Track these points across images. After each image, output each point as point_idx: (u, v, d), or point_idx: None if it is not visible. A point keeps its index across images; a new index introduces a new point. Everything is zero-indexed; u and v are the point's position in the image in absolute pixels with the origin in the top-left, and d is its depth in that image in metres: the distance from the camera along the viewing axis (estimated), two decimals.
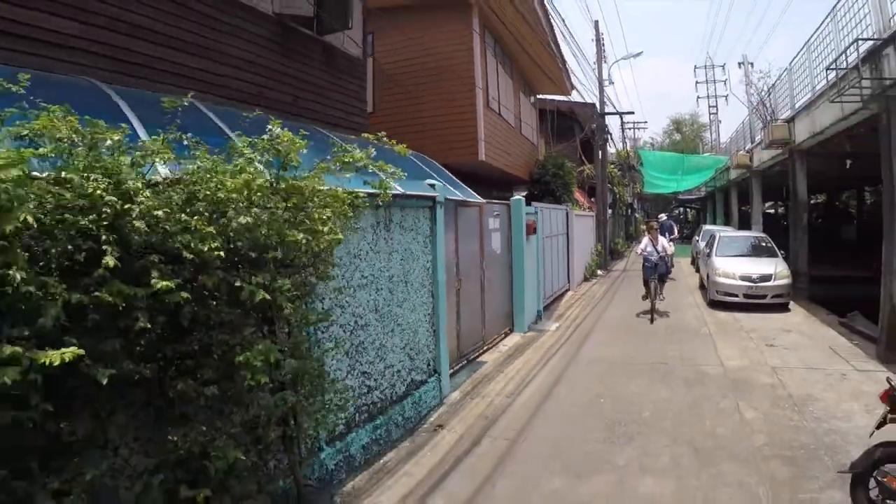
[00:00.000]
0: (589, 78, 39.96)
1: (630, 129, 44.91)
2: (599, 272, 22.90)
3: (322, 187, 3.36)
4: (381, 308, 5.96)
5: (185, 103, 3.38)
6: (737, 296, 13.72)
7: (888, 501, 4.21)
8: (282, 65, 7.88)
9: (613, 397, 7.56)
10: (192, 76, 6.39)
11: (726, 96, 63.04)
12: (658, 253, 13.46)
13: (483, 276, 9.85)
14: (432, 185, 7.19)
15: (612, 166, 31.84)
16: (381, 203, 4.56)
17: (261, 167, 3.16)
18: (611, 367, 8.99)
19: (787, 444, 5.81)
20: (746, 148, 24.02)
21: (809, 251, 16.74)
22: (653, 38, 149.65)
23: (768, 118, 18.40)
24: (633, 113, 30.97)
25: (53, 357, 2.03)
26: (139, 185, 2.47)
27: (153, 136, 2.80)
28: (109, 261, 2.22)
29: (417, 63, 13.39)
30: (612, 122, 31.85)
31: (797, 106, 15.72)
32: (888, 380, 4.36)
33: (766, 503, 4.68)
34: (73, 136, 2.47)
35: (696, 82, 62.02)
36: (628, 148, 40.39)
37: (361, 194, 3.89)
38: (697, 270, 19.94)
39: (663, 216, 30.45)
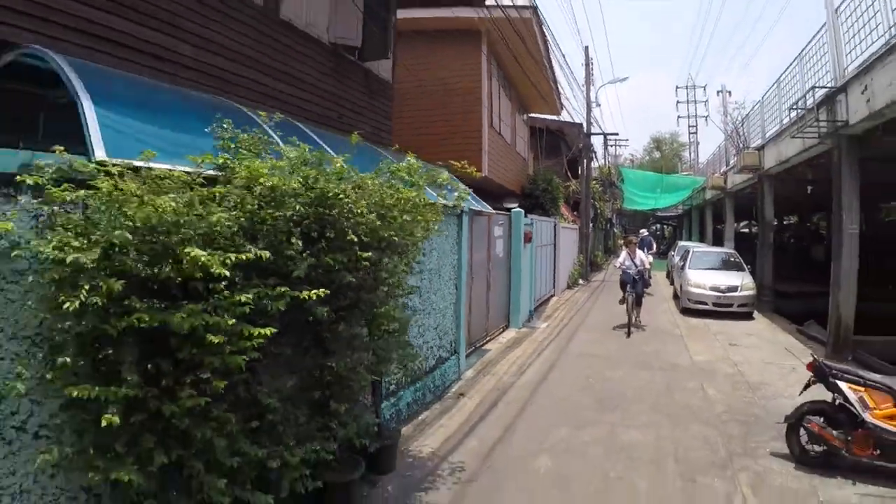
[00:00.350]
0: (577, 98, 41.65)
1: (612, 145, 46.93)
2: (581, 281, 24.49)
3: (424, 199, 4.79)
4: (423, 294, 7.36)
5: (357, 140, 4.81)
6: (706, 304, 15.37)
7: (813, 445, 5.73)
8: (333, 87, 9.28)
9: (601, 380, 9.03)
10: (271, 95, 7.79)
11: (706, 117, 64.16)
12: (636, 266, 13.64)
13: (489, 276, 11.28)
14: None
15: (595, 182, 33.60)
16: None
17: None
18: (596, 358, 10.47)
19: (741, 413, 7.34)
20: (721, 171, 25.78)
21: (782, 268, 18.54)
22: (637, 54, 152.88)
23: (741, 145, 20.17)
24: (616, 134, 32.90)
25: (312, 294, 3.38)
26: (352, 190, 3.86)
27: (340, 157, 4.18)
28: (353, 238, 3.61)
29: (430, 84, 14.80)
30: (595, 140, 33.68)
31: (767, 136, 17.45)
32: (812, 354, 5.89)
33: (723, 449, 6.18)
34: (308, 155, 3.85)
35: (677, 102, 63.45)
36: (609, 165, 42.24)
37: (450, 205, 5.33)
38: (672, 283, 21.58)
39: (644, 231, 32.04)
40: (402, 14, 13.12)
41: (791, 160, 15.10)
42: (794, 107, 12.72)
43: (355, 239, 3.65)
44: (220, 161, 3.60)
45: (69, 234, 2.76)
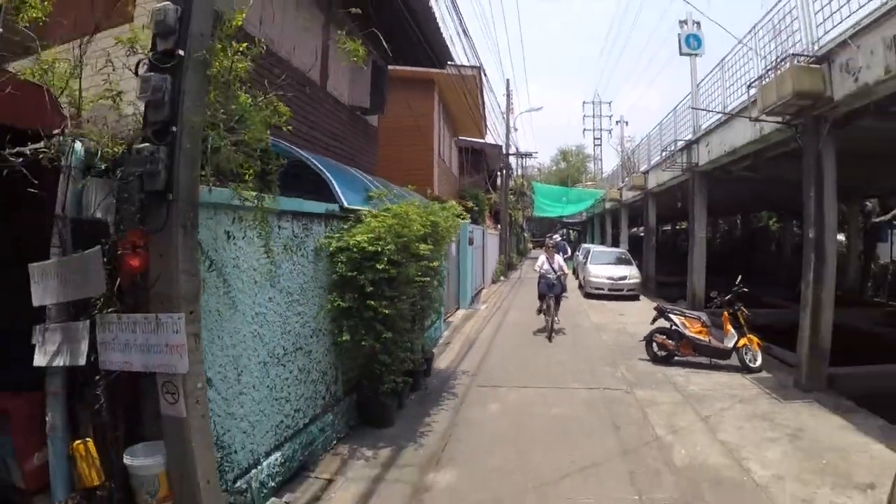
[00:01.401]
0: (497, 121, 46.41)
1: (522, 157, 52.32)
2: (502, 277, 29.20)
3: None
4: None
5: (395, 190, 8.92)
6: (603, 289, 20.42)
7: (660, 351, 10.35)
8: (350, 135, 13.22)
9: (533, 334, 13.49)
10: (321, 144, 11.67)
11: (610, 131, 66.21)
12: (555, 272, 13.62)
13: (448, 270, 15.49)
14: None
15: (510, 192, 38.47)
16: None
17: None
18: (527, 325, 14.87)
19: (623, 346, 11.96)
20: (618, 186, 31.12)
21: (673, 264, 24.03)
22: (544, 69, 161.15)
23: (632, 169, 25.41)
24: (530, 155, 37.57)
25: (434, 264, 7.50)
26: (442, 218, 8.01)
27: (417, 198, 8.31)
28: (446, 238, 7.77)
29: (396, 121, 18.81)
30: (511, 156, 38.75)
31: (651, 163, 22.66)
32: (657, 302, 10.52)
33: (610, 358, 10.77)
34: (424, 202, 7.96)
35: (584, 116, 67.68)
36: (521, 176, 47.41)
37: (464, 221, 9.59)
38: (577, 277, 26.54)
39: (557, 237, 36.61)
40: None
41: (665, 184, 20.28)
42: (665, 149, 17.80)
43: (446, 239, 7.85)
44: (395, 209, 7.51)
45: (370, 236, 6.66)
